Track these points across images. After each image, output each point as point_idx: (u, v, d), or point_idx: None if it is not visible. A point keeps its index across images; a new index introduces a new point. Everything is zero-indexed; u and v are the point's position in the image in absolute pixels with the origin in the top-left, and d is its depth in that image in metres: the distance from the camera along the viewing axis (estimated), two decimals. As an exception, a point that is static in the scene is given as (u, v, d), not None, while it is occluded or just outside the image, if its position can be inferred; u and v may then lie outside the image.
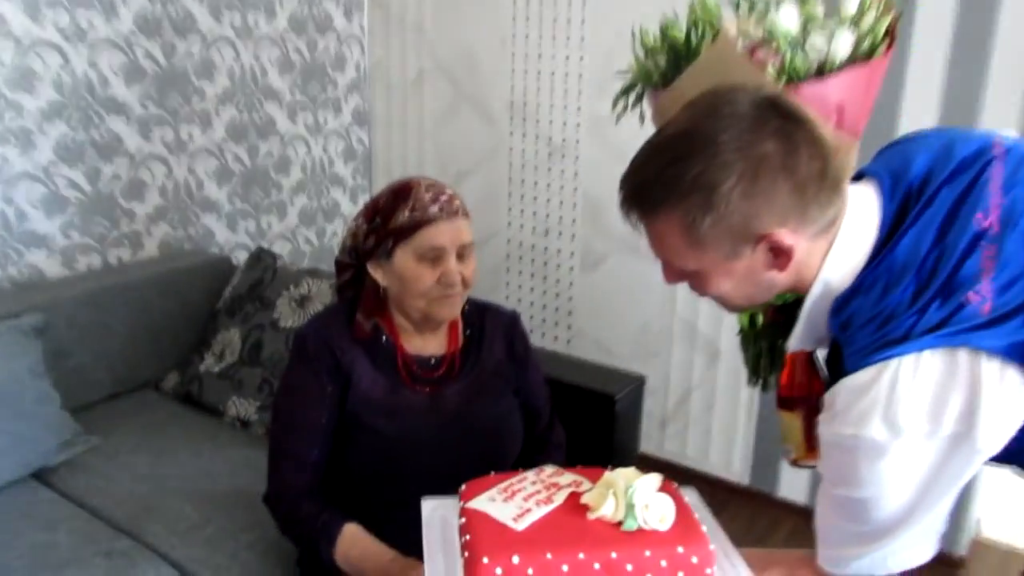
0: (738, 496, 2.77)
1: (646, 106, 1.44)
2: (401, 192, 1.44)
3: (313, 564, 1.53)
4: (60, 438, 2.00)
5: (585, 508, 1.05)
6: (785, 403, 1.57)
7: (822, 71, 1.22)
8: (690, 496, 1.15)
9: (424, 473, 1.43)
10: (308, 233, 3.16)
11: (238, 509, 1.85)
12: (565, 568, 0.98)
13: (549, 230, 2.97)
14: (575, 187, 2.88)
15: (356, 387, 1.47)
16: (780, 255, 1.02)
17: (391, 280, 1.46)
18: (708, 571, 1.01)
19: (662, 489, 1.06)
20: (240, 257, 2.82)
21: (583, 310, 2.96)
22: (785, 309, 1.44)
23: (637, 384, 2.10)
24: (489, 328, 1.60)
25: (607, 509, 1.03)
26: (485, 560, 0.97)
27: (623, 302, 2.85)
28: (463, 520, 1.05)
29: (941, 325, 0.96)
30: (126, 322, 2.30)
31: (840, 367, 1.04)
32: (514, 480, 1.12)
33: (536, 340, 3.03)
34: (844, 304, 1.03)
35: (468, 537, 1.01)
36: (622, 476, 1.05)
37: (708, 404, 2.78)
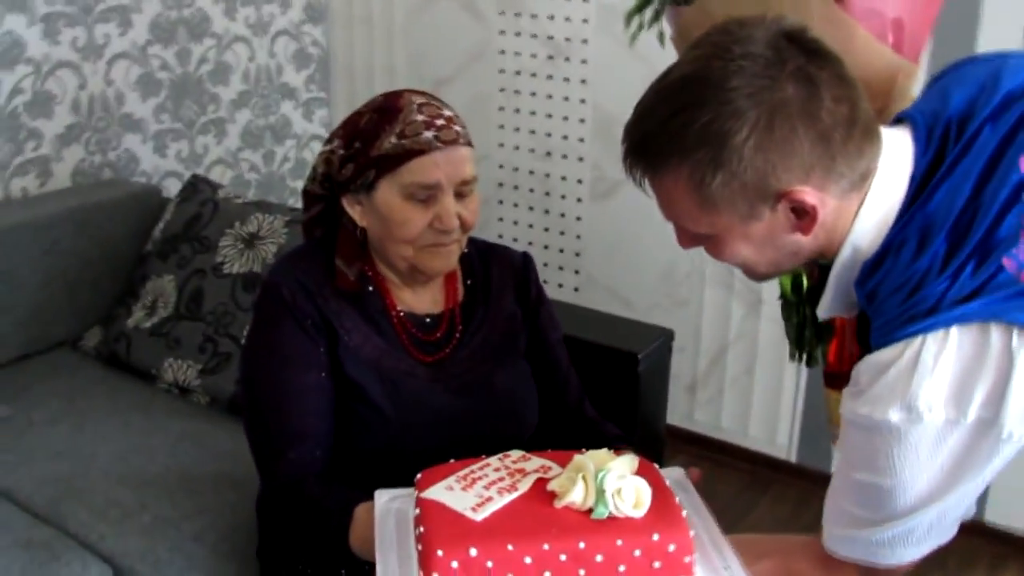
0: (783, 475, 2.85)
1: (666, 25, 1.46)
2: (388, 110, 1.44)
3: (279, 554, 1.57)
4: (-40, 406, 2.05)
5: (552, 495, 1.13)
6: (834, 380, 1.63)
7: None
8: (674, 477, 1.25)
9: (431, 451, 1.38)
10: (254, 157, 3.18)
11: (180, 492, 1.91)
12: (528, 560, 1.05)
13: (551, 151, 3.00)
14: (582, 97, 2.90)
15: (345, 344, 1.47)
16: (803, 216, 1.07)
17: (372, 220, 1.46)
18: (687, 559, 1.08)
19: (640, 472, 1.14)
20: (172, 188, 2.85)
21: (594, 250, 3.00)
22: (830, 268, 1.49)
23: (664, 339, 2.15)
24: (496, 275, 1.60)
25: (576, 496, 1.10)
26: (440, 553, 1.04)
27: (642, 239, 2.89)
28: (418, 511, 1.12)
29: (974, 295, 1.01)
30: (35, 268, 2.35)
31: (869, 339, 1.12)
32: (475, 467, 1.18)
33: (536, 287, 3.08)
34: (871, 271, 1.09)
35: (422, 529, 1.08)
36: (593, 459, 1.12)
37: (747, 365, 2.84)
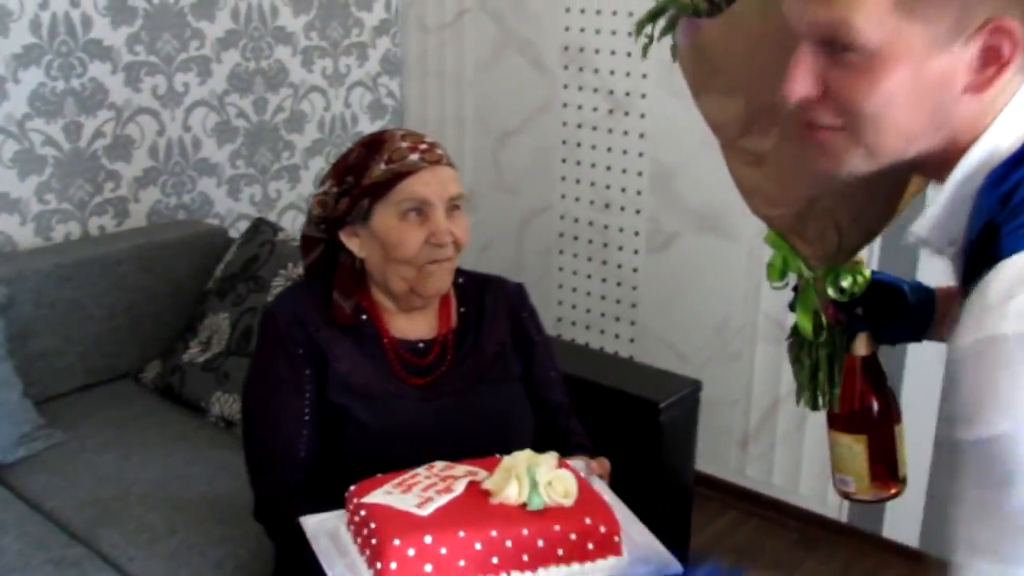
0: (833, 535, 2.78)
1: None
2: (374, 143, 1.55)
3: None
4: (19, 431, 2.17)
5: (487, 494, 1.23)
6: (844, 423, 1.57)
7: None
8: (580, 466, 1.38)
9: None
10: (327, 203, 3.28)
11: (210, 520, 1.97)
12: (478, 546, 1.15)
13: (610, 203, 3.02)
14: (640, 151, 2.92)
15: (335, 371, 1.55)
16: (992, 62, 0.92)
17: (370, 248, 1.55)
18: (616, 539, 1.21)
19: (560, 466, 1.26)
20: (242, 230, 2.96)
21: (649, 302, 2.99)
22: (848, 306, 1.45)
23: (692, 390, 2.14)
24: (490, 304, 1.67)
25: (511, 491, 1.21)
26: (396, 542, 1.12)
27: (697, 292, 2.88)
28: (362, 514, 1.19)
29: None
30: (102, 302, 2.46)
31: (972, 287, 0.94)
32: (406, 476, 1.26)
33: (594, 339, 3.09)
34: (1009, 170, 0.93)
35: (373, 525, 1.15)
36: (520, 459, 1.24)
37: (799, 420, 2.78)
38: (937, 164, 0.98)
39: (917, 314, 1.35)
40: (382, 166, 1.51)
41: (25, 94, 2.51)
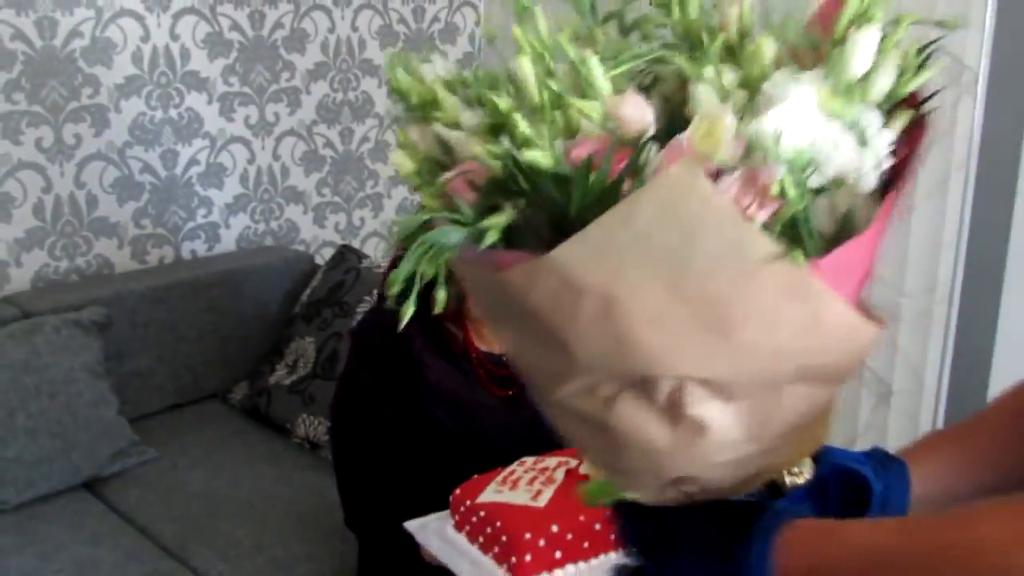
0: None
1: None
2: None
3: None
4: (114, 447, 2.25)
5: (585, 478, 1.23)
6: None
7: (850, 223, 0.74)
8: None
9: None
10: (408, 231, 3.35)
11: (295, 538, 2.03)
12: (598, 527, 1.21)
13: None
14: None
15: (427, 383, 1.61)
16: None
17: None
18: None
19: None
20: (326, 256, 3.04)
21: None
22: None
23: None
24: None
25: None
26: (528, 536, 1.18)
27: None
28: (481, 514, 1.24)
29: None
30: (193, 323, 2.54)
31: None
32: (504, 473, 1.32)
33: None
34: None
35: (499, 523, 1.21)
36: None
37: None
38: None
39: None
40: None
41: (127, 123, 2.61)
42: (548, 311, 0.73)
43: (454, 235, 0.73)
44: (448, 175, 0.76)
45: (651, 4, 0.81)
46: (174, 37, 2.65)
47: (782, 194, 0.68)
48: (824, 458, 0.90)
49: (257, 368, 2.60)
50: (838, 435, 2.84)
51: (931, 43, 0.77)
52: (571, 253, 0.69)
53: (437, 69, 0.84)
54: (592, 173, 0.69)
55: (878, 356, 2.68)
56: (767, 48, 0.74)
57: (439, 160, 0.80)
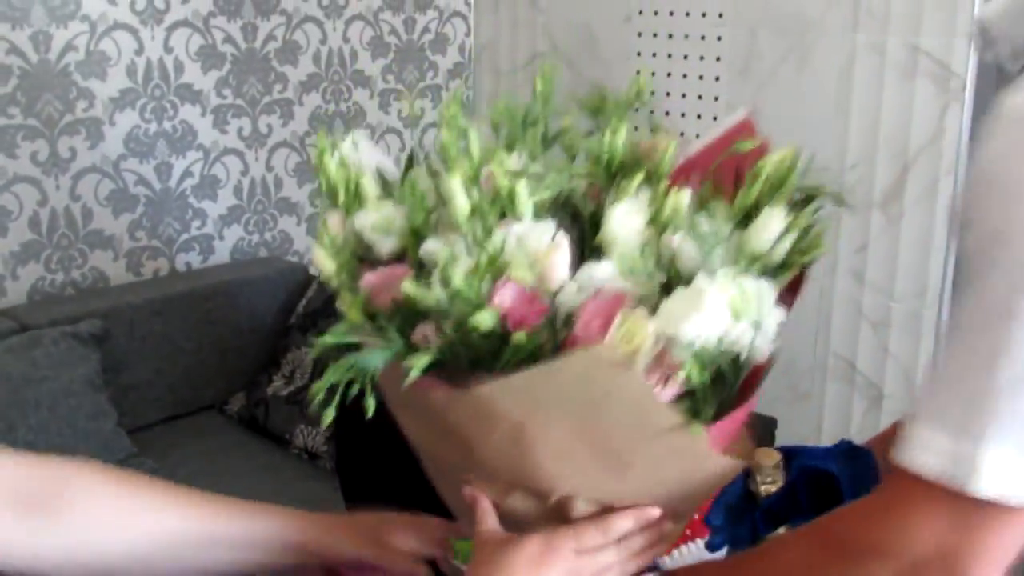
0: None
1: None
2: None
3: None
4: (113, 458, 2.25)
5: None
6: None
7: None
8: None
9: None
10: (400, 241, 3.37)
11: (297, 548, 2.03)
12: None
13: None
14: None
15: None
16: None
17: None
18: None
19: None
20: (320, 266, 3.05)
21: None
22: None
23: (766, 428, 2.17)
24: None
25: None
26: None
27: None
28: None
29: None
30: (190, 335, 2.55)
31: None
32: None
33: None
34: None
35: None
36: None
37: (869, 460, 2.79)
38: None
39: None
40: None
41: (121, 136, 2.62)
42: (463, 427, 0.83)
43: (380, 359, 0.81)
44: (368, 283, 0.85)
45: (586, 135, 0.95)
46: (168, 50, 2.66)
47: (688, 376, 0.78)
48: (794, 461, 1.06)
49: (254, 379, 2.61)
50: (831, 440, 2.88)
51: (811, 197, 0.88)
52: (494, 393, 0.78)
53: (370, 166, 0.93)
54: (527, 340, 0.78)
55: (870, 360, 2.71)
56: (683, 199, 0.85)
57: (360, 254, 0.89)
